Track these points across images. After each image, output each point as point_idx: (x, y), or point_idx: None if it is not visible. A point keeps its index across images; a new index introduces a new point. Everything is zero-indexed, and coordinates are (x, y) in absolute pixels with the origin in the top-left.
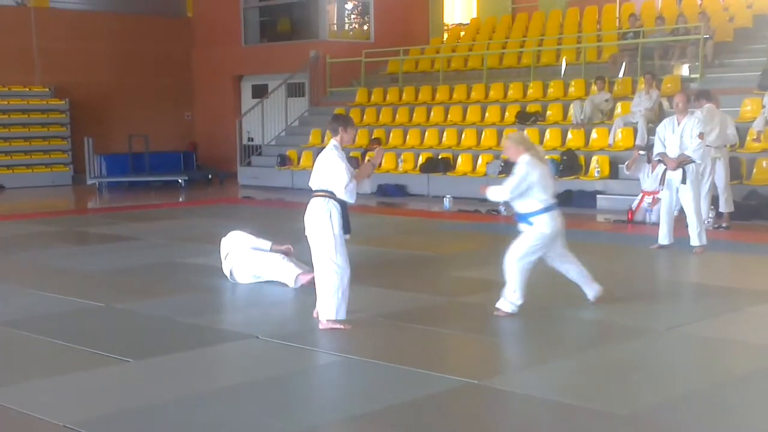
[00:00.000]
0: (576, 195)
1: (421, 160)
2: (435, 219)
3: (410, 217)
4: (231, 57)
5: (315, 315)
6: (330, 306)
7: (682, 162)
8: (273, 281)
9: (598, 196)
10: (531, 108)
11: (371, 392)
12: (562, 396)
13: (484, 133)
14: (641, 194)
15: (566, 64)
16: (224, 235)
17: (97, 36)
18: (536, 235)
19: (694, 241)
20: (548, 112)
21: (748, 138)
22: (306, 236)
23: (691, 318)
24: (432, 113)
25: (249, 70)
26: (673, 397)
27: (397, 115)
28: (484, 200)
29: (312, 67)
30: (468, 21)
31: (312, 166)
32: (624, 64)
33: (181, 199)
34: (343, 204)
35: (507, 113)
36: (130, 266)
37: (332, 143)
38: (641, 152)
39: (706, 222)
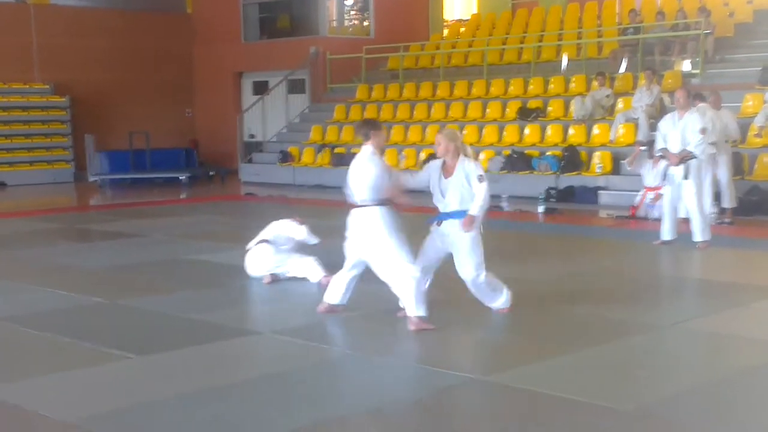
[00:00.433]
0: (578, 191)
1: (422, 156)
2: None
3: (411, 214)
4: (231, 53)
5: (323, 309)
6: (416, 304)
7: (684, 157)
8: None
9: (600, 191)
10: (532, 104)
11: (374, 388)
12: (566, 391)
13: (485, 129)
14: (643, 190)
15: (567, 60)
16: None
17: (97, 33)
18: (479, 236)
19: (697, 237)
20: (549, 108)
21: (749, 134)
22: (349, 247)
23: (694, 313)
24: (433, 110)
25: (249, 67)
26: (678, 393)
27: (397, 112)
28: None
29: (312, 63)
30: (468, 17)
31: (314, 163)
32: (625, 59)
33: (183, 196)
34: (390, 207)
35: (508, 109)
36: (133, 263)
37: (368, 150)
38: (643, 148)
39: (708, 217)
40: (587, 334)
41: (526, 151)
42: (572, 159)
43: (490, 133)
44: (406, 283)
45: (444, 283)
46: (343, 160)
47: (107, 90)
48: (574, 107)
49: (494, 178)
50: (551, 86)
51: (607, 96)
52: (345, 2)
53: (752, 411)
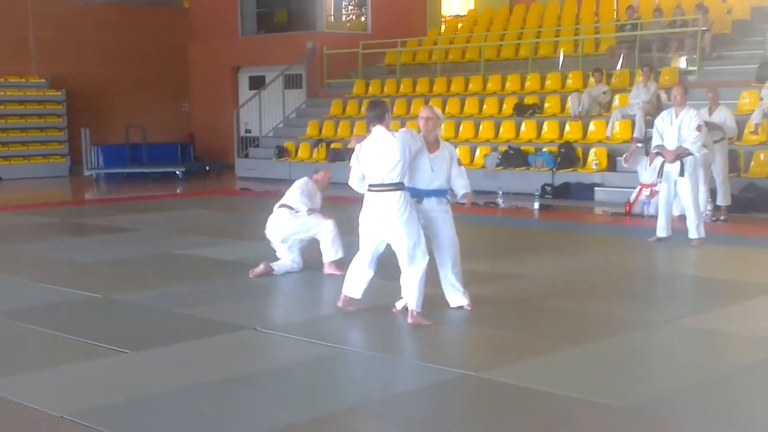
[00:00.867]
0: (574, 187)
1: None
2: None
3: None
4: (228, 48)
5: (343, 303)
6: (418, 298)
7: (680, 154)
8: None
9: (595, 188)
10: (529, 100)
11: (369, 384)
12: (561, 388)
13: (481, 125)
14: (639, 187)
15: (564, 56)
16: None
17: (94, 27)
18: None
19: (692, 234)
20: (546, 104)
21: (746, 131)
22: (369, 231)
23: (689, 311)
24: None
25: (246, 62)
26: (672, 390)
27: (394, 108)
28: (482, 192)
29: (309, 58)
30: (465, 12)
31: (310, 158)
32: (622, 56)
33: (178, 191)
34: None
35: (505, 105)
36: (128, 257)
37: (383, 131)
38: (639, 145)
39: (704, 215)
40: (582, 330)
41: (522, 147)
42: (568, 155)
43: (486, 129)
44: (414, 276)
45: (438, 279)
46: (339, 155)
47: (104, 84)
48: (571, 104)
49: (490, 174)
50: (548, 82)
51: (604, 92)
52: None
53: (746, 408)
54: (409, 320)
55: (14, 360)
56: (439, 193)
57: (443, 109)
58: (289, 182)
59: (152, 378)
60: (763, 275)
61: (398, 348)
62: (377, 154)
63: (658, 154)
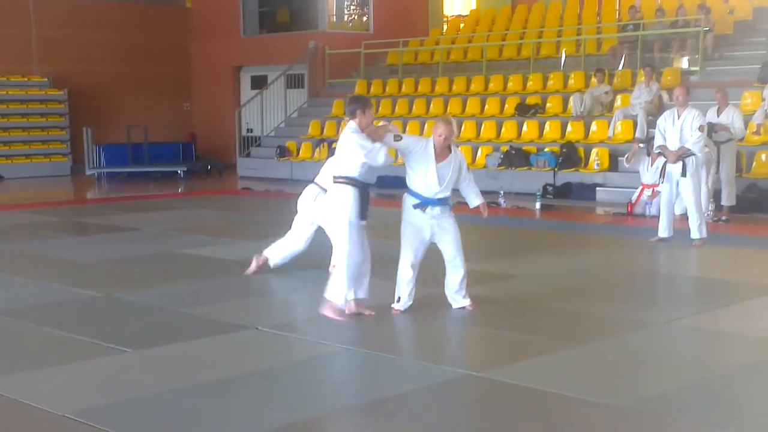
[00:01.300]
0: (575, 187)
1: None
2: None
3: None
4: (230, 48)
5: (351, 309)
6: (337, 290)
7: (682, 155)
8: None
9: (597, 188)
10: (530, 100)
11: (370, 383)
12: (561, 387)
13: (483, 125)
14: (641, 187)
15: (566, 56)
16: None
17: (95, 26)
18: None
19: (694, 234)
20: (548, 105)
21: (748, 131)
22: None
23: (690, 311)
24: (431, 105)
25: (248, 61)
26: (673, 390)
27: (396, 107)
28: (484, 192)
29: (311, 58)
30: (468, 12)
31: (312, 158)
32: (624, 56)
33: (180, 190)
34: (362, 190)
35: (507, 105)
36: (129, 256)
37: (350, 127)
38: (641, 145)
39: (705, 215)
40: (583, 330)
41: (524, 148)
42: (570, 155)
43: (488, 129)
44: (341, 269)
45: (440, 279)
46: None
47: (106, 83)
48: (573, 104)
49: (492, 174)
50: (550, 82)
51: (606, 93)
52: None
53: (746, 408)
54: (325, 310)
55: (15, 359)
56: (443, 201)
57: (445, 109)
58: (290, 182)
59: (153, 377)
60: (764, 276)
61: (398, 348)
62: (338, 150)
63: (660, 154)
